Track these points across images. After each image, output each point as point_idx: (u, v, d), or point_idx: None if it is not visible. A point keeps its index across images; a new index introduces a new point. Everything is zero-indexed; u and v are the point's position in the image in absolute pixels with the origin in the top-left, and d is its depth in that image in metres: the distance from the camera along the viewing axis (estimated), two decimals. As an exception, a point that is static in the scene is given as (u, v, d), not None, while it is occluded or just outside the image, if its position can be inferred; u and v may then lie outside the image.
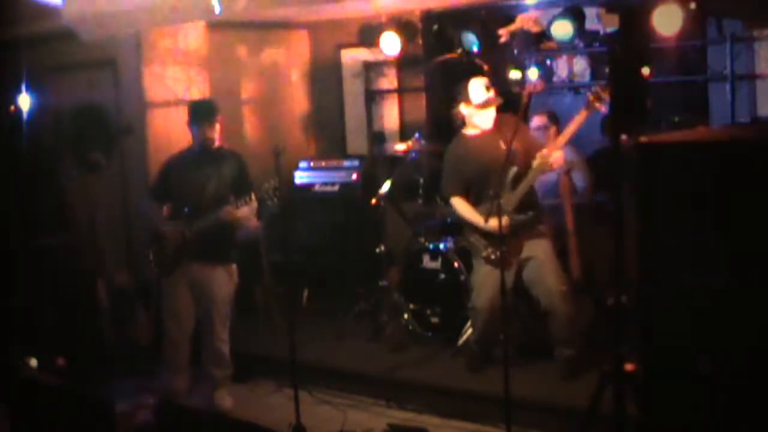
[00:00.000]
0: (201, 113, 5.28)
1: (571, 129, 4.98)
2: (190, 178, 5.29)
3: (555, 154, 5.03)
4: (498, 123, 5.27)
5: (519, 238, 5.17)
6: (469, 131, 5.36)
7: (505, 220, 4.93)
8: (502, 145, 5.05)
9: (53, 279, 6.32)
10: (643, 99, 3.76)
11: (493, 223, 4.85)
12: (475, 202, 5.28)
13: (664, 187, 3.60)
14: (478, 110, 5.23)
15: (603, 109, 4.83)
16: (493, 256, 5.15)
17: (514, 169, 5.10)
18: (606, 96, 4.75)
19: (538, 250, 5.20)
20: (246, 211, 5.20)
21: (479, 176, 5.20)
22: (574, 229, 5.72)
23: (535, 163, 5.05)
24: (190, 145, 5.38)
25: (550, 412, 4.85)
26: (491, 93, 5.25)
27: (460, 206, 5.34)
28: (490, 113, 5.25)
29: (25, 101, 6.96)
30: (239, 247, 5.53)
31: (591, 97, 4.84)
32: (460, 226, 6.13)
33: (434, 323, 6.00)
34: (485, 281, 5.19)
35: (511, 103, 5.59)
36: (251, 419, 4.83)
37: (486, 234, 5.14)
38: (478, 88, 5.24)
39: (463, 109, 5.28)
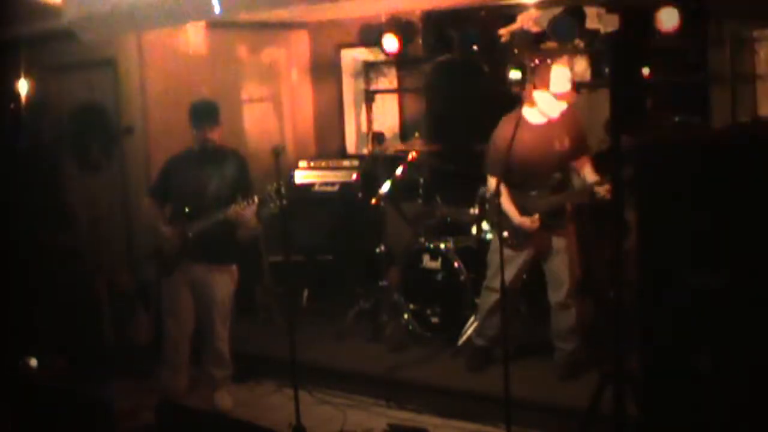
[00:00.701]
0: (202, 114, 5.28)
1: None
2: (191, 179, 5.29)
3: (606, 187, 4.92)
4: (562, 118, 5.11)
5: (544, 234, 5.18)
6: (531, 117, 5.11)
7: (535, 219, 5.08)
8: (559, 144, 5.05)
9: (53, 279, 6.32)
10: (643, 99, 3.76)
11: (523, 220, 5.02)
12: (513, 188, 5.18)
13: (664, 186, 3.60)
14: (552, 99, 5.00)
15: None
16: (510, 241, 5.15)
17: (557, 175, 5.11)
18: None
19: (560, 244, 5.22)
20: (247, 212, 5.20)
21: (524, 167, 5.04)
22: (575, 229, 5.72)
23: (586, 188, 5.09)
24: (191, 145, 5.37)
25: (550, 412, 4.85)
26: (570, 87, 5.03)
27: (499, 190, 5.26)
28: (562, 106, 5.06)
29: (25, 101, 6.96)
30: (239, 247, 5.53)
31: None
32: (460, 226, 6.14)
33: (434, 323, 6.00)
34: (504, 263, 5.19)
35: (511, 103, 5.58)
36: (251, 419, 4.83)
37: (508, 219, 5.17)
38: (561, 76, 5.01)
39: (537, 93, 5.02)
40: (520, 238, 5.19)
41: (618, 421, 3.70)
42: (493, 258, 5.39)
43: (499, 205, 5.00)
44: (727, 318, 3.44)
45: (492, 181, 5.18)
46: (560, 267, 5.22)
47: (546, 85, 4.97)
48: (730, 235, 3.43)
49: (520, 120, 4.83)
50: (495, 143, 5.14)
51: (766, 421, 3.40)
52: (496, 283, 5.22)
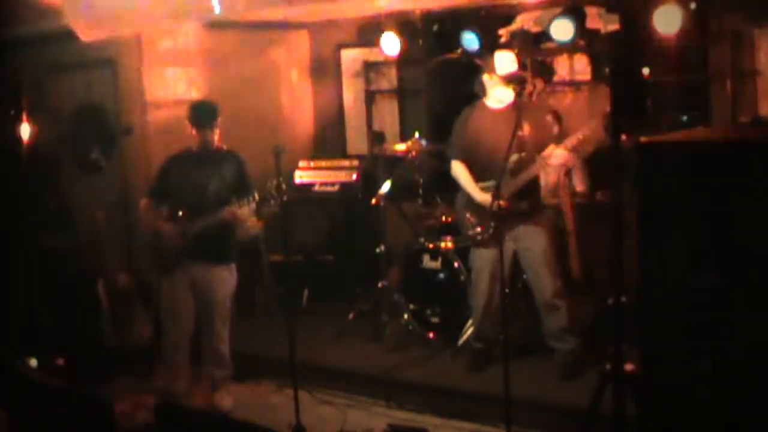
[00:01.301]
0: (201, 115, 5.28)
1: (580, 136, 4.96)
2: (191, 179, 5.29)
3: (557, 152, 5.02)
4: (518, 104, 5.15)
5: (512, 221, 5.16)
6: (489, 103, 5.32)
7: (502, 202, 5.00)
8: (518, 129, 5.05)
9: (53, 279, 6.32)
10: (643, 99, 3.76)
11: (487, 198, 5.00)
12: (476, 177, 5.27)
13: (664, 187, 3.60)
14: (500, 83, 5.17)
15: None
16: (480, 237, 5.18)
17: (516, 156, 5.07)
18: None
19: (534, 242, 5.21)
20: (246, 212, 5.20)
21: (485, 151, 5.17)
22: (575, 229, 5.72)
23: (538, 159, 5.07)
24: (189, 145, 5.37)
25: (550, 412, 4.85)
26: (516, 68, 5.21)
27: (461, 172, 5.35)
28: (510, 92, 5.17)
29: (24, 102, 6.96)
30: (239, 247, 5.53)
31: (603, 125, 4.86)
32: (460, 226, 6.14)
33: (434, 323, 6.00)
34: (482, 266, 5.23)
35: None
36: (251, 419, 4.83)
37: (478, 212, 5.16)
38: (504, 60, 5.19)
39: (485, 79, 5.24)
40: (489, 228, 5.14)
41: (618, 421, 3.70)
42: (473, 262, 5.45)
43: (462, 197, 5.20)
44: (727, 318, 3.44)
45: (456, 165, 5.39)
46: (540, 266, 5.20)
47: (492, 70, 5.21)
48: (730, 235, 3.43)
49: (479, 107, 5.25)
50: (456, 129, 5.41)
51: (766, 421, 3.40)
52: (482, 288, 5.31)
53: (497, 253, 5.15)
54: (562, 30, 5.87)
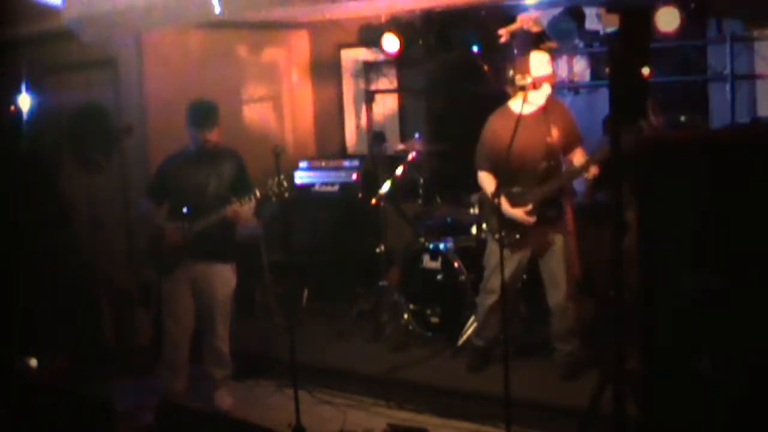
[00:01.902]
0: (200, 115, 5.26)
1: (607, 149, 4.80)
2: (190, 178, 5.29)
3: (593, 170, 4.99)
4: (547, 106, 5.15)
5: (540, 230, 5.17)
6: (514, 107, 5.10)
7: (528, 209, 5.07)
8: (547, 135, 5.06)
9: (53, 279, 6.32)
10: (643, 99, 3.76)
11: (516, 211, 5.03)
12: (501, 181, 5.07)
13: (664, 187, 3.60)
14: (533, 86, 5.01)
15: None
16: (505, 241, 5.13)
17: (545, 164, 5.08)
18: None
19: (557, 242, 5.21)
20: (247, 210, 5.21)
21: (513, 158, 4.92)
22: (574, 229, 5.72)
23: (568, 169, 5.09)
24: (187, 144, 5.36)
25: (550, 412, 4.85)
26: (550, 69, 5.11)
27: (488, 183, 5.28)
28: (545, 90, 5.10)
29: (25, 101, 6.96)
30: (239, 247, 5.53)
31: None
32: (460, 226, 6.14)
33: (434, 323, 6.00)
34: (499, 266, 5.20)
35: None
36: (251, 419, 4.84)
37: (503, 220, 5.14)
38: (540, 61, 5.08)
39: (519, 81, 5.00)
40: (515, 234, 5.16)
41: (618, 421, 3.70)
42: (489, 259, 5.41)
43: (496, 206, 5.05)
44: (727, 318, 3.44)
45: (482, 176, 5.32)
46: (557, 267, 5.21)
47: (527, 71, 5.03)
48: (730, 236, 3.43)
49: (507, 112, 5.07)
50: (483, 137, 5.29)
51: (766, 421, 3.40)
52: (493, 285, 5.26)
53: (518, 257, 5.19)
54: (562, 30, 5.87)
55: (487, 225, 5.40)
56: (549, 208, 5.16)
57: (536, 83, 4.99)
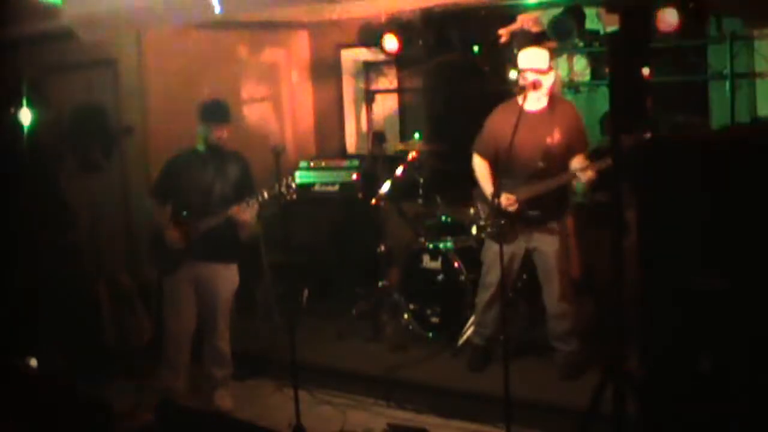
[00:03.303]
0: (216, 110, 5.28)
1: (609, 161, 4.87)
2: (197, 178, 5.29)
3: (589, 174, 4.97)
4: (552, 105, 5.16)
5: (527, 223, 5.17)
6: (525, 105, 5.00)
7: (513, 198, 5.09)
8: (548, 135, 5.06)
9: (53, 279, 6.31)
10: (643, 99, 3.76)
11: (501, 200, 5.05)
12: (498, 173, 5.13)
13: (665, 186, 3.60)
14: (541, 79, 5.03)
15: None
16: (490, 228, 5.20)
17: (542, 164, 5.08)
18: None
19: (547, 245, 5.20)
20: (250, 212, 5.22)
21: (510, 151, 4.89)
22: (574, 229, 5.72)
23: (566, 174, 5.08)
24: (192, 144, 5.37)
25: (550, 412, 4.85)
26: (548, 65, 5.10)
27: (479, 167, 5.36)
28: (548, 82, 5.09)
29: (24, 102, 6.96)
30: (240, 247, 5.53)
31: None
32: (460, 226, 6.14)
33: (434, 323, 6.00)
34: (495, 260, 5.19)
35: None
36: (251, 419, 4.84)
37: (487, 205, 5.19)
38: (534, 55, 5.10)
39: (529, 75, 5.02)
40: (500, 220, 5.11)
41: (618, 421, 3.70)
42: (486, 255, 5.43)
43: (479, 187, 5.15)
44: (728, 318, 3.44)
45: (476, 160, 5.38)
46: (552, 269, 5.19)
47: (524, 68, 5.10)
48: (730, 236, 3.43)
49: (514, 106, 5.03)
50: (486, 124, 5.34)
51: (766, 421, 3.40)
52: (490, 279, 5.28)
53: (511, 250, 5.19)
54: (562, 30, 5.85)
55: (478, 212, 5.43)
56: (538, 207, 5.15)
57: (536, 83, 4.99)
